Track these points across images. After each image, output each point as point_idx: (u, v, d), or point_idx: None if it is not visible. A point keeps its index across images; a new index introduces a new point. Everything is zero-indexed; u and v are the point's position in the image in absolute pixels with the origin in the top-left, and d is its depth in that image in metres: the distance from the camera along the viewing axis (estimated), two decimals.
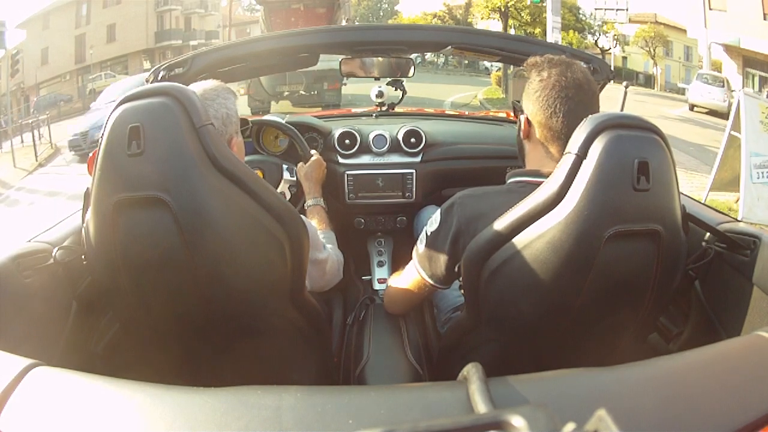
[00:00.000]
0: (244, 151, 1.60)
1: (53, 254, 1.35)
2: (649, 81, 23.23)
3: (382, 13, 28.26)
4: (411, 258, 1.53)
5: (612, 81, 2.03)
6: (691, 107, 16.73)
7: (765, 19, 16.91)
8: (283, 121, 2.34)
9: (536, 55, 1.43)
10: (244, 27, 25.20)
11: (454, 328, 1.53)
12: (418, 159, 2.47)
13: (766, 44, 16.74)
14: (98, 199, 1.22)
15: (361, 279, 2.54)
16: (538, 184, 1.22)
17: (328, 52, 2.38)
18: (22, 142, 14.23)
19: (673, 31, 22.30)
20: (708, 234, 1.47)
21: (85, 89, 21.55)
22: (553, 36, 15.84)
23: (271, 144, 2.46)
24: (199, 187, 1.18)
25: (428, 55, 23.59)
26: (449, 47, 2.07)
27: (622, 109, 2.61)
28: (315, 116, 2.85)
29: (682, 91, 19.95)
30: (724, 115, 14.60)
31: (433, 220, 1.45)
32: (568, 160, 1.16)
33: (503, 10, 22.95)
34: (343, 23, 15.82)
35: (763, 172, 5.97)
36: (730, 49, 18.65)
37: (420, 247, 1.49)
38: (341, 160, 2.46)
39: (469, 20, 24.83)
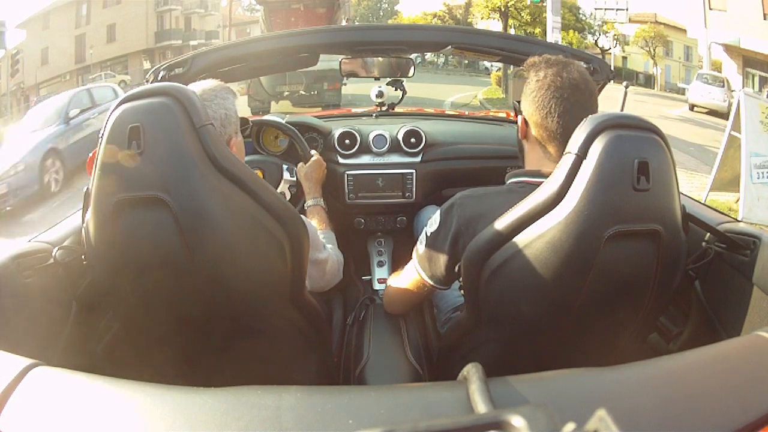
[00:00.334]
0: (243, 151, 1.60)
1: (53, 254, 1.35)
2: (649, 81, 23.21)
3: (382, 13, 28.24)
4: (411, 258, 1.53)
5: (612, 81, 2.03)
6: (691, 107, 16.70)
7: (765, 19, 16.90)
8: (283, 121, 2.34)
9: (536, 55, 1.43)
10: (244, 27, 25.16)
11: (454, 328, 1.53)
12: (418, 159, 2.48)
13: (766, 44, 16.73)
14: (98, 199, 1.22)
15: (361, 279, 2.54)
16: (538, 184, 1.23)
17: (328, 52, 2.38)
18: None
19: (673, 31, 22.28)
20: (708, 234, 1.47)
21: None
22: (553, 36, 15.83)
23: (271, 144, 2.46)
24: (199, 188, 1.18)
25: (428, 55, 23.58)
26: (449, 47, 2.07)
27: (622, 109, 2.60)
28: (315, 116, 2.85)
29: (682, 91, 19.92)
30: (724, 115, 14.58)
31: (432, 220, 1.45)
32: (568, 160, 1.16)
33: (503, 10, 22.92)
34: (343, 23, 15.82)
35: (763, 172, 5.96)
36: (730, 49, 18.63)
37: (420, 247, 1.49)
38: (341, 160, 2.47)
39: (469, 20, 24.81)
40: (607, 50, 23.23)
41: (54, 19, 21.36)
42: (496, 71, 20.81)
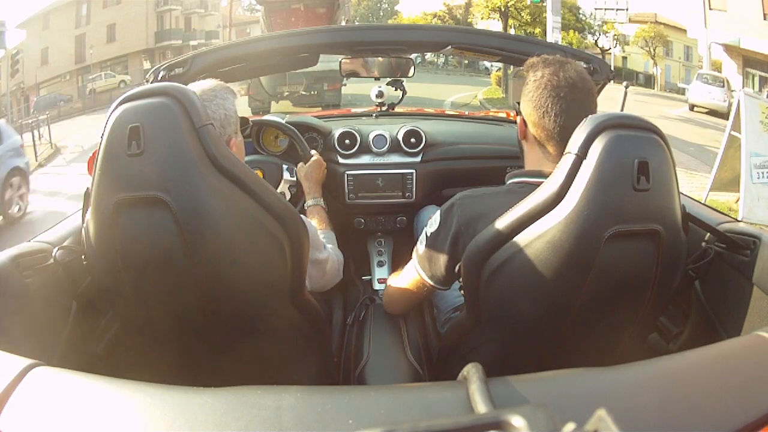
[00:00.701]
0: (243, 151, 1.60)
1: (53, 254, 1.35)
2: (649, 81, 23.24)
3: (382, 13, 28.27)
4: (411, 258, 1.54)
5: (612, 81, 2.03)
6: (691, 107, 16.73)
7: (765, 19, 16.91)
8: (283, 121, 2.34)
9: (536, 55, 1.43)
10: (244, 27, 25.20)
11: (454, 328, 1.53)
12: (418, 159, 2.47)
13: (766, 44, 16.74)
14: (98, 199, 1.22)
15: (361, 279, 2.54)
16: (538, 184, 1.23)
17: (328, 52, 2.38)
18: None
19: (673, 31, 22.31)
20: (708, 234, 1.47)
21: (85, 89, 21.52)
22: (554, 36, 15.86)
23: (271, 144, 2.46)
24: (199, 187, 1.18)
25: (428, 55, 23.61)
26: (449, 47, 2.07)
27: (622, 109, 2.60)
28: (315, 116, 2.85)
29: (682, 91, 19.96)
30: (724, 115, 14.60)
31: (432, 221, 1.45)
32: (568, 160, 1.16)
33: (503, 10, 22.96)
34: (343, 23, 15.86)
35: (763, 172, 5.97)
36: (730, 49, 18.65)
37: (420, 247, 1.49)
38: (341, 160, 2.46)
39: (469, 20, 24.84)
40: (607, 50, 23.27)
41: (54, 19, 21.38)
42: (496, 71, 20.84)
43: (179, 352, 1.41)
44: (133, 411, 0.75)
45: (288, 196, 2.18)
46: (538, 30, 21.51)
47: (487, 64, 23.08)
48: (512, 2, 22.63)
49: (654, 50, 22.71)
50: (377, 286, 2.49)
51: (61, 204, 8.56)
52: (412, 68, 2.41)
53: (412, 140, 2.47)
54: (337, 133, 2.47)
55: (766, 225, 5.32)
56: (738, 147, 6.17)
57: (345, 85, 14.40)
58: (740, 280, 1.34)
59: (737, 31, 17.76)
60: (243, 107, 13.37)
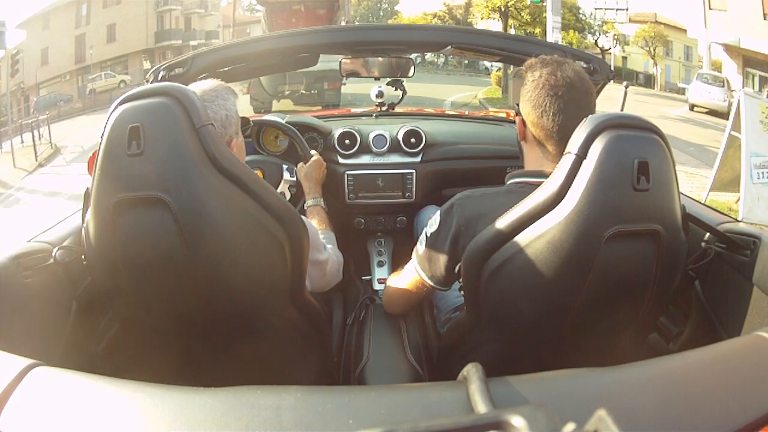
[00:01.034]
0: (244, 151, 1.60)
1: (53, 254, 1.35)
2: (649, 81, 23.23)
3: (382, 13, 28.27)
4: (411, 258, 1.54)
5: (612, 81, 2.03)
6: (691, 107, 16.73)
7: (765, 18, 16.90)
8: (283, 121, 2.34)
9: (536, 55, 1.43)
10: (244, 27, 25.20)
11: (454, 328, 1.53)
12: (418, 159, 2.47)
13: (766, 44, 16.74)
14: (98, 199, 1.22)
15: (361, 279, 2.54)
16: (538, 184, 1.23)
17: (328, 52, 2.38)
18: (22, 142, 14.14)
19: (673, 31, 22.31)
20: (708, 234, 1.47)
21: (85, 89, 21.52)
22: (554, 36, 15.85)
23: (271, 144, 2.46)
24: (199, 188, 1.18)
25: (428, 55, 23.62)
26: (449, 47, 2.07)
27: (622, 109, 2.60)
28: (315, 116, 2.85)
29: (682, 91, 19.96)
30: (724, 115, 14.60)
31: (432, 221, 1.45)
32: (568, 160, 1.16)
33: (503, 9, 22.94)
34: (343, 24, 15.91)
35: (763, 173, 5.96)
36: (730, 49, 18.65)
37: (420, 248, 1.49)
38: (341, 160, 2.46)
39: (469, 20, 24.83)
40: (607, 50, 23.25)
41: (54, 19, 21.37)
42: (496, 71, 20.84)
43: (179, 352, 1.41)
44: (133, 411, 0.75)
45: (288, 196, 2.18)
46: (538, 30, 21.50)
47: (487, 64, 23.09)
48: (512, 2, 22.60)
49: (654, 50, 22.71)
50: (377, 286, 2.50)
51: (61, 204, 8.53)
52: (412, 68, 2.41)
53: (412, 140, 2.47)
54: (337, 133, 2.47)
55: (767, 225, 5.31)
56: (738, 147, 6.16)
57: (344, 84, 14.44)
58: (740, 280, 1.34)
59: (737, 31, 17.75)
60: (245, 106, 13.54)
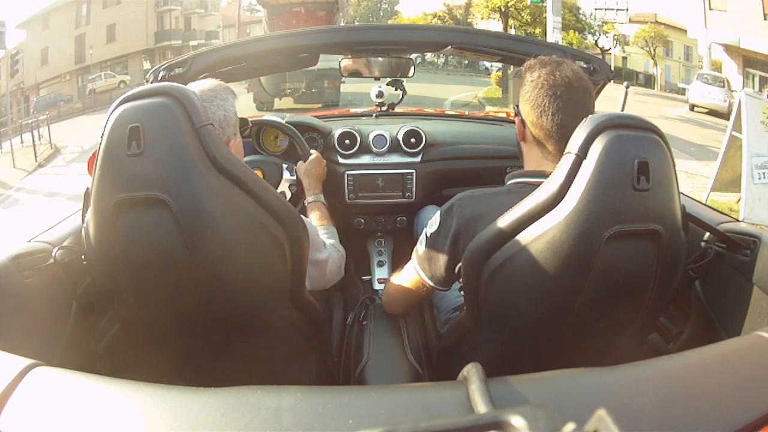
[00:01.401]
0: (242, 152, 1.60)
1: (53, 254, 1.35)
2: (649, 81, 23.22)
3: (382, 14, 28.26)
4: (411, 258, 1.54)
5: (612, 81, 2.03)
6: (692, 107, 16.73)
7: (765, 19, 16.91)
8: (283, 121, 2.34)
9: (536, 55, 1.43)
10: (245, 27, 25.19)
11: (454, 328, 1.53)
12: (418, 159, 2.48)
13: (767, 44, 16.73)
14: (98, 199, 1.22)
15: (361, 279, 2.55)
16: (537, 184, 1.23)
17: (328, 53, 2.38)
18: (22, 142, 14.12)
19: (673, 31, 22.30)
20: (708, 234, 1.47)
21: (85, 89, 21.51)
22: (554, 36, 15.87)
23: (271, 144, 2.47)
24: (199, 188, 1.18)
25: (428, 56, 23.59)
26: (449, 47, 2.07)
27: (622, 109, 2.61)
28: (315, 116, 2.85)
29: (682, 91, 19.94)
30: (724, 116, 14.61)
31: (432, 221, 1.45)
32: (568, 160, 1.16)
33: (503, 10, 22.93)
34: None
35: (764, 173, 5.96)
36: (730, 49, 18.64)
37: (420, 248, 1.49)
38: (341, 160, 2.47)
39: (469, 20, 24.82)
40: (607, 50, 23.24)
41: (54, 19, 21.37)
42: (496, 71, 20.82)
43: (179, 352, 1.41)
44: (133, 411, 0.75)
45: (288, 195, 2.18)
46: (538, 30, 21.50)
47: (487, 64, 23.05)
48: (512, 2, 22.60)
49: (654, 50, 22.70)
50: (377, 286, 2.50)
51: (60, 204, 8.51)
52: (412, 68, 2.41)
53: (412, 140, 2.47)
54: (337, 133, 2.47)
55: (767, 225, 5.31)
56: (739, 147, 6.16)
57: (344, 82, 14.53)
58: (740, 280, 1.34)
59: (737, 31, 17.75)
60: (249, 104, 13.68)
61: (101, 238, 1.25)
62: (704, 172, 8.74)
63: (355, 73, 2.41)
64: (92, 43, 21.95)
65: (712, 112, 15.86)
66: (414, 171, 2.45)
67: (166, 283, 1.26)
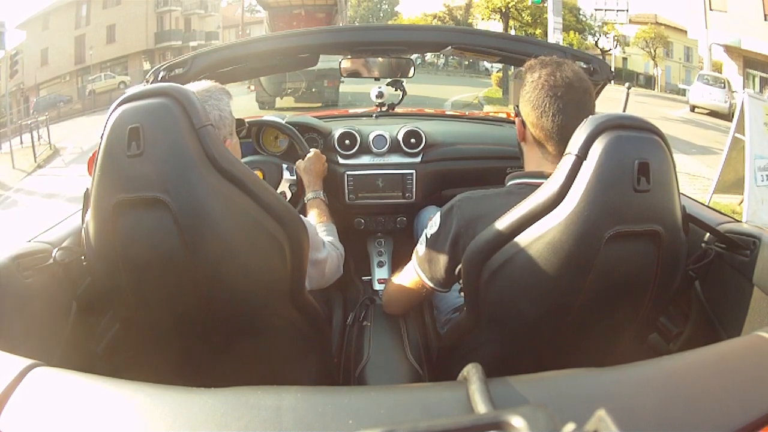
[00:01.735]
0: (239, 152, 1.60)
1: (53, 255, 1.35)
2: (649, 82, 23.23)
3: (382, 15, 28.29)
4: (411, 259, 1.54)
5: (612, 82, 2.03)
6: (692, 108, 16.73)
7: (766, 19, 16.90)
8: (283, 122, 2.34)
9: (536, 55, 1.43)
10: (245, 28, 25.21)
11: (454, 329, 1.53)
12: (418, 159, 2.48)
13: (767, 45, 16.73)
14: (98, 199, 1.22)
15: (361, 279, 2.54)
16: (538, 185, 1.22)
17: (328, 53, 2.38)
18: (22, 143, 14.07)
19: (673, 32, 22.31)
20: (708, 234, 1.47)
21: (85, 90, 21.51)
22: (555, 37, 15.90)
23: (271, 144, 2.47)
24: (198, 188, 1.18)
25: (428, 56, 23.61)
26: (449, 47, 2.07)
27: (624, 110, 2.60)
28: (315, 116, 2.85)
29: (682, 92, 19.93)
30: (725, 117, 14.63)
31: (432, 223, 1.45)
32: (568, 161, 1.16)
33: (504, 10, 22.93)
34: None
35: (767, 175, 5.93)
36: (730, 50, 18.64)
37: (420, 249, 1.49)
38: (341, 161, 2.47)
39: (469, 21, 24.82)
40: (607, 51, 23.23)
41: (54, 20, 21.36)
42: (496, 72, 20.83)
43: (179, 353, 1.42)
44: (133, 411, 0.75)
45: (288, 195, 2.18)
46: (539, 31, 21.51)
47: (488, 64, 23.07)
48: (513, 3, 22.59)
49: (654, 51, 22.69)
50: (377, 286, 2.50)
51: (59, 206, 8.43)
52: (412, 69, 2.41)
53: (412, 140, 2.47)
54: (337, 134, 2.47)
55: None
56: (741, 149, 6.12)
57: (342, 82, 14.82)
58: (740, 280, 1.34)
59: (738, 32, 17.75)
60: (251, 104, 13.76)
61: (101, 239, 1.25)
62: (706, 174, 8.75)
63: (355, 74, 2.41)
64: (92, 44, 21.95)
65: (713, 113, 15.87)
66: (414, 171, 2.45)
67: (166, 283, 1.26)
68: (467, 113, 3.59)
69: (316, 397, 0.76)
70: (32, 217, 8.28)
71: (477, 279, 1.27)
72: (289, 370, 1.52)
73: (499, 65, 20.01)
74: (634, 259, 1.18)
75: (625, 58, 24.04)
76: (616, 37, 23.57)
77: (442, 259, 1.40)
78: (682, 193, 1.30)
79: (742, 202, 6.04)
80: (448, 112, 4.09)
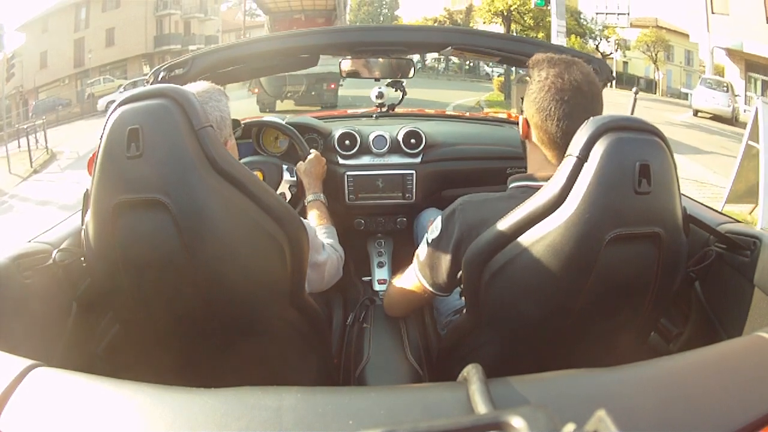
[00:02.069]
0: (237, 153, 1.60)
1: (53, 255, 1.35)
2: (650, 86, 23.16)
3: (382, 19, 28.29)
4: (411, 259, 1.53)
5: (614, 86, 2.03)
6: (695, 112, 16.68)
7: None
8: (283, 122, 2.34)
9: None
10: (246, 31, 25.22)
11: (455, 330, 1.52)
12: (418, 160, 2.48)
13: None
14: (98, 201, 1.22)
15: (361, 280, 2.55)
16: (539, 188, 1.22)
17: (328, 53, 2.38)
18: (19, 147, 13.86)
19: (674, 36, 22.27)
20: (708, 234, 1.47)
21: (84, 93, 21.48)
22: (558, 40, 15.85)
23: (271, 145, 2.47)
24: (198, 190, 1.18)
25: (428, 60, 23.64)
26: (449, 48, 2.07)
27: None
28: (315, 117, 2.85)
29: (684, 96, 19.86)
30: (728, 121, 14.60)
31: (433, 227, 1.44)
32: (569, 163, 1.16)
33: (506, 14, 22.88)
34: None
35: None
36: (732, 54, 18.60)
37: (421, 254, 1.48)
38: (341, 161, 2.47)
39: (470, 25, 24.79)
40: (608, 55, 23.21)
41: (53, 23, 21.32)
42: (498, 76, 20.82)
43: (179, 353, 1.41)
44: (133, 411, 0.75)
45: (288, 196, 2.18)
46: (541, 34, 21.41)
47: (488, 69, 23.09)
48: (515, 6, 22.53)
49: (656, 55, 22.66)
50: (377, 287, 2.51)
51: (51, 213, 8.35)
52: (412, 69, 2.41)
53: (412, 141, 2.48)
54: (337, 134, 2.47)
55: None
56: (754, 156, 6.03)
57: (341, 85, 15.13)
58: (740, 280, 1.34)
59: (740, 35, 17.72)
60: (252, 105, 13.95)
61: (101, 240, 1.25)
62: (713, 181, 8.51)
63: (355, 74, 2.42)
64: (91, 47, 21.91)
65: (716, 117, 15.82)
66: (414, 172, 2.46)
67: (166, 284, 1.26)
68: (467, 114, 3.59)
69: (316, 398, 0.76)
70: (25, 223, 8.13)
71: (477, 280, 1.27)
72: (289, 371, 1.52)
73: (500, 70, 20.08)
74: (635, 261, 1.18)
75: (625, 62, 24.02)
76: (617, 41, 23.55)
77: (444, 264, 1.39)
78: (683, 194, 1.30)
79: (753, 210, 5.96)
80: (448, 113, 4.09)
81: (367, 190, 2.47)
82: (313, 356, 1.60)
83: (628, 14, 21.67)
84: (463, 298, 1.40)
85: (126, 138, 1.16)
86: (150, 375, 0.90)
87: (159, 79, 1.93)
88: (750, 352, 0.89)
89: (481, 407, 0.70)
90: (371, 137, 2.48)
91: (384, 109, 2.95)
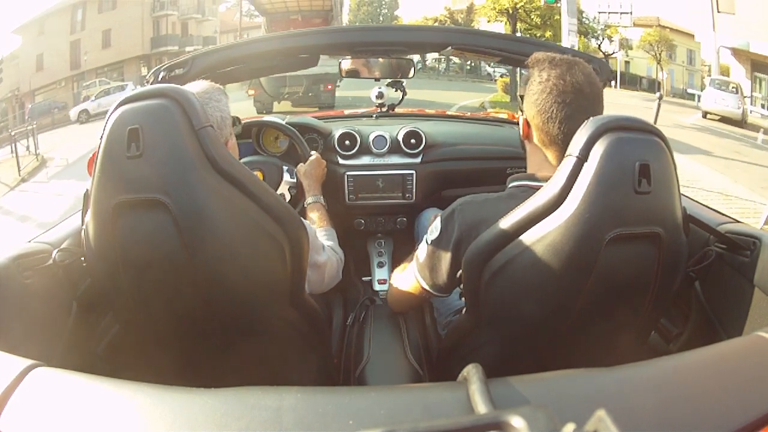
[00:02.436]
0: (237, 153, 1.60)
1: (53, 255, 1.35)
2: (652, 85, 23.10)
3: (381, 19, 28.29)
4: (412, 260, 1.53)
5: (618, 87, 2.02)
6: (704, 114, 16.57)
7: None
8: (283, 122, 2.35)
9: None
10: (243, 32, 25.20)
11: (455, 330, 1.52)
12: (418, 160, 2.48)
13: None
14: (98, 201, 1.22)
15: (361, 280, 2.56)
16: (539, 188, 1.22)
17: (328, 53, 2.38)
18: (12, 152, 13.22)
19: (676, 35, 22.22)
20: (708, 234, 1.47)
21: (80, 96, 21.38)
22: (570, 40, 15.73)
23: (271, 145, 2.47)
24: (198, 190, 1.18)
25: (429, 61, 23.61)
26: (449, 47, 2.07)
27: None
28: (315, 117, 2.86)
29: (689, 96, 19.78)
30: (737, 123, 14.53)
31: (433, 228, 1.44)
32: (569, 163, 1.15)
33: (511, 12, 22.68)
34: None
35: None
36: (738, 53, 18.54)
37: (420, 255, 1.48)
38: (341, 161, 2.47)
39: (472, 24, 24.72)
40: (610, 55, 23.16)
41: (49, 24, 21.24)
42: (500, 77, 20.76)
43: (179, 353, 1.41)
44: (133, 411, 0.75)
45: (288, 197, 2.18)
46: (548, 33, 21.36)
47: (489, 69, 23.03)
48: (521, 4, 22.27)
49: (660, 54, 22.60)
50: (377, 286, 2.52)
51: (29, 231, 7.55)
52: (412, 69, 2.41)
53: (413, 141, 2.48)
54: (337, 134, 2.47)
55: None
56: None
57: (338, 86, 15.29)
58: (740, 280, 1.34)
59: (746, 35, 17.65)
60: (250, 107, 14.04)
61: (101, 240, 1.26)
62: (737, 192, 7.85)
63: (355, 74, 2.42)
64: (87, 49, 21.82)
65: (725, 120, 15.72)
66: (414, 172, 2.46)
67: (166, 285, 1.26)
68: (468, 114, 3.59)
69: (317, 398, 0.76)
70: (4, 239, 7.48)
71: (477, 280, 1.27)
72: (289, 371, 1.52)
73: (503, 70, 20.04)
74: (635, 261, 1.18)
75: (627, 62, 23.98)
76: (620, 40, 23.48)
77: (444, 265, 1.39)
78: (683, 194, 1.30)
79: None
80: (448, 113, 4.09)
81: (367, 190, 2.47)
82: (313, 356, 1.60)
83: (631, 13, 21.62)
84: (463, 298, 1.40)
85: (126, 138, 1.16)
86: (150, 375, 0.90)
87: (159, 79, 1.93)
88: (750, 352, 0.89)
89: (481, 407, 0.70)
90: (371, 137, 2.48)
91: (384, 109, 2.96)
